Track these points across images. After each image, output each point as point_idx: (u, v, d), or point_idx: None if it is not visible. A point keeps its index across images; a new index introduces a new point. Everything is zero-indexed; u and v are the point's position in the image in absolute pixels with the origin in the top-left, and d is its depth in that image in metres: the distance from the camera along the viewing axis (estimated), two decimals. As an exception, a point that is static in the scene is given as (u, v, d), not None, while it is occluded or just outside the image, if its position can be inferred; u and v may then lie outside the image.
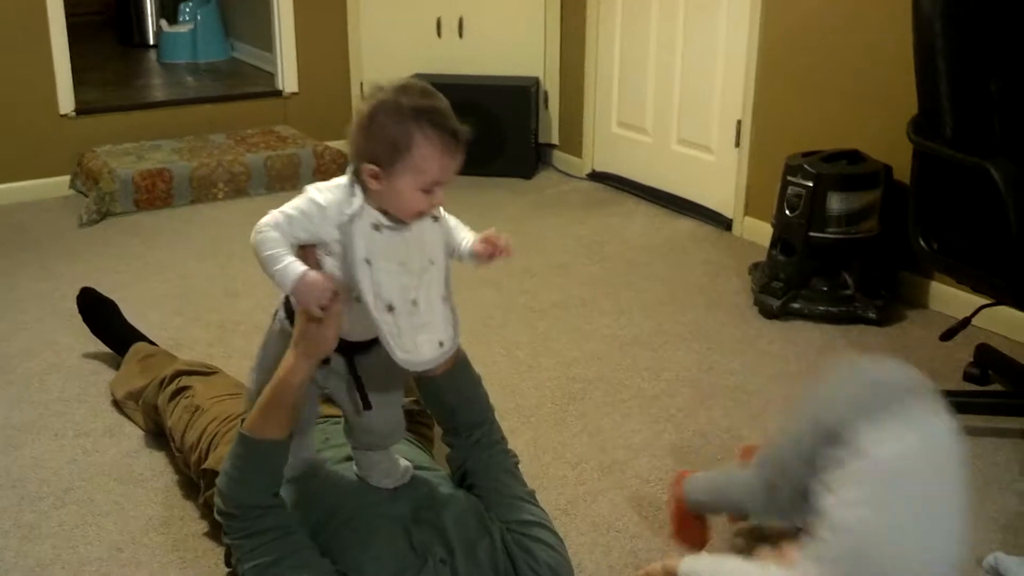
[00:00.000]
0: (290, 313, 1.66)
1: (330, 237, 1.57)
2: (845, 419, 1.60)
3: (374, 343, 1.63)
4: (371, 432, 1.78)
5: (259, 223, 1.58)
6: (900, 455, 1.56)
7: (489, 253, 1.68)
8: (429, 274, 1.62)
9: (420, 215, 1.58)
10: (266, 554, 1.65)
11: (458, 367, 1.82)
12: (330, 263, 1.58)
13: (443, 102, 1.55)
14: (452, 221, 1.71)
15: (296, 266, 1.54)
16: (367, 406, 1.70)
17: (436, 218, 1.63)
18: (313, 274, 1.54)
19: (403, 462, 1.84)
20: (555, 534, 1.83)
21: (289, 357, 1.64)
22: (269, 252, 1.55)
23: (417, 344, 1.60)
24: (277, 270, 1.54)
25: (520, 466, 1.94)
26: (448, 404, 1.85)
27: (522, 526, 1.79)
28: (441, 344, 1.64)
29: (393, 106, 1.51)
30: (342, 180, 1.59)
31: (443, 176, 1.54)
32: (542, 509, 1.87)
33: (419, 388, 1.86)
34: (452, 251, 1.69)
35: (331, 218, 1.56)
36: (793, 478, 1.71)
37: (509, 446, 1.93)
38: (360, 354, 1.69)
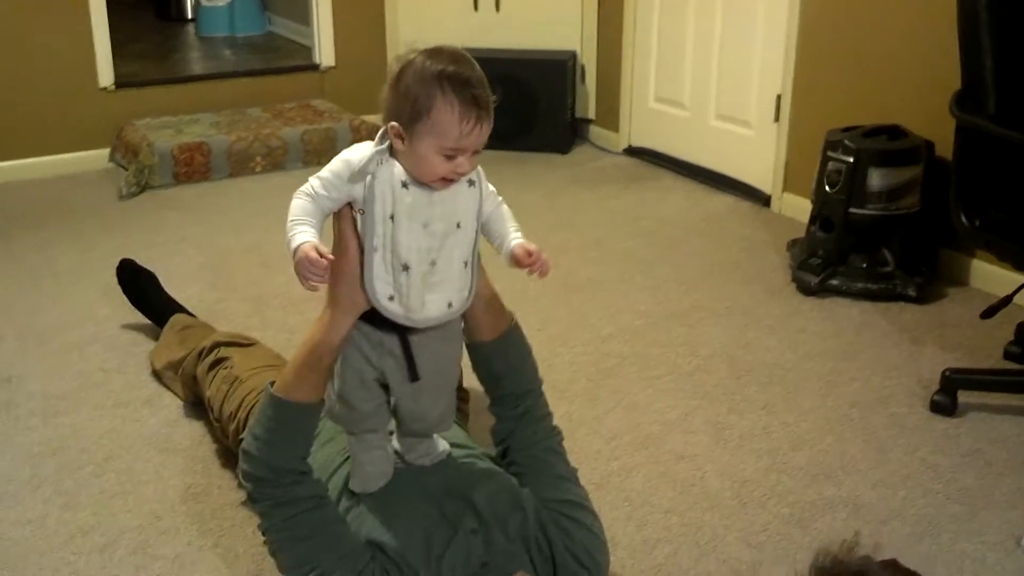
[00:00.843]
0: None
1: (359, 194, 1.57)
2: None
3: None
4: (421, 419, 1.73)
5: (298, 191, 1.60)
6: None
7: (527, 264, 1.66)
8: (454, 237, 1.60)
9: (444, 181, 1.56)
10: (298, 526, 1.65)
11: (509, 335, 1.81)
12: (360, 220, 1.58)
13: (472, 69, 1.53)
14: (503, 209, 1.70)
15: (299, 237, 1.55)
16: (415, 377, 1.66)
17: (472, 182, 1.62)
18: (307, 248, 1.53)
19: (442, 443, 1.82)
20: (594, 515, 1.82)
21: (325, 315, 1.63)
22: (290, 220, 1.58)
23: (424, 303, 1.60)
24: (289, 239, 1.56)
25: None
26: (495, 372, 1.83)
27: (561, 505, 1.78)
28: (450, 305, 1.63)
29: (420, 67, 1.51)
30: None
31: (465, 143, 1.52)
32: (583, 489, 1.85)
33: (469, 353, 1.84)
34: (492, 236, 1.69)
35: (359, 175, 1.56)
36: None
37: (554, 422, 1.91)
38: (413, 333, 1.66)
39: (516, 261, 1.67)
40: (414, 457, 1.79)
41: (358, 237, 1.59)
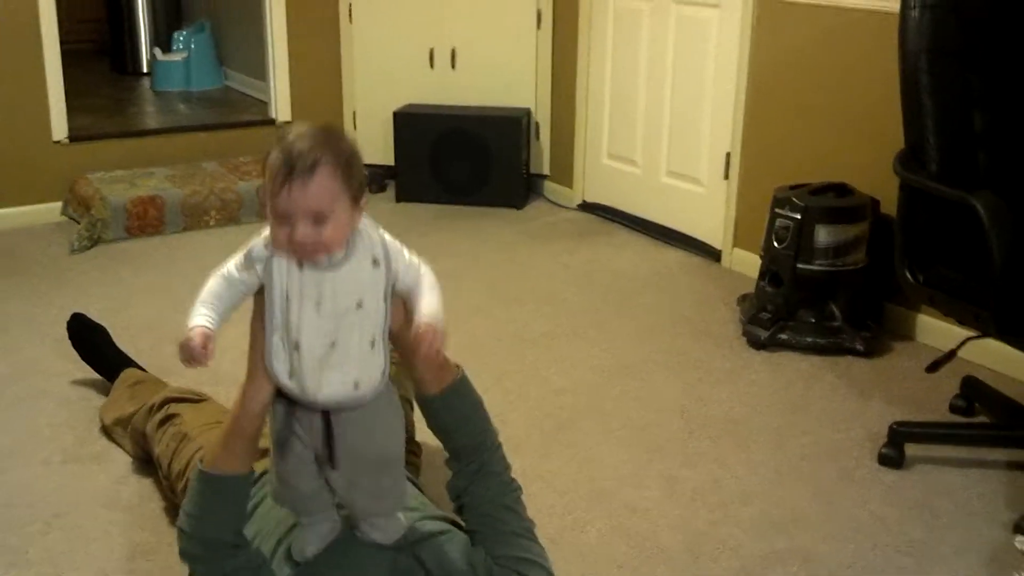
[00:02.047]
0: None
1: (258, 274, 1.56)
2: None
3: None
4: (355, 503, 1.68)
5: (215, 269, 1.60)
6: None
7: (418, 352, 1.60)
8: (353, 317, 1.55)
9: (305, 253, 1.51)
10: None
11: (455, 388, 1.78)
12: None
13: (309, 131, 1.50)
14: (404, 264, 1.61)
15: (194, 319, 1.55)
16: (333, 464, 1.61)
17: (376, 262, 1.57)
18: (195, 334, 1.53)
19: (401, 519, 1.76)
20: (548, 572, 1.79)
21: (245, 384, 1.62)
22: (198, 299, 1.58)
23: (321, 383, 1.55)
24: (190, 316, 1.57)
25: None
26: (445, 425, 1.80)
27: (513, 562, 1.75)
28: (357, 385, 1.57)
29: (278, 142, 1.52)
30: None
31: (283, 205, 1.48)
32: (539, 545, 1.83)
33: (419, 408, 1.82)
34: (411, 308, 1.62)
35: (255, 251, 1.56)
36: None
37: (511, 475, 1.88)
38: (336, 412, 1.60)
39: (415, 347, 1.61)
40: (376, 536, 1.72)
41: None
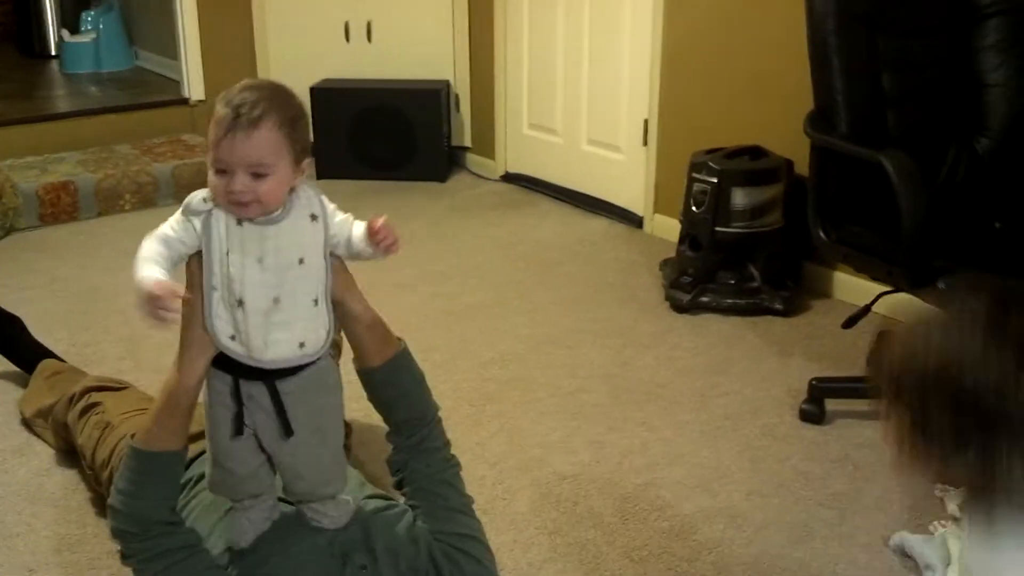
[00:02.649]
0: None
1: (197, 228, 1.54)
2: None
3: (298, 369, 1.59)
4: (304, 479, 1.66)
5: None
6: None
7: (379, 241, 1.63)
8: (296, 272, 1.56)
9: (240, 207, 1.50)
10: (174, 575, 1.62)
11: (396, 361, 1.78)
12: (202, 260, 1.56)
13: (258, 89, 1.50)
14: (339, 218, 1.65)
15: (144, 272, 1.50)
16: (288, 432, 1.60)
17: (315, 217, 1.58)
18: (152, 283, 1.47)
19: (350, 502, 1.75)
20: (486, 547, 1.81)
21: (178, 358, 1.59)
22: (137, 259, 1.53)
23: (267, 343, 1.54)
24: (135, 277, 1.51)
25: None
26: (386, 399, 1.80)
27: (452, 538, 1.77)
28: (303, 345, 1.58)
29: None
30: None
31: (224, 154, 1.48)
32: (476, 520, 1.84)
33: (360, 380, 1.81)
34: (346, 249, 1.64)
35: (195, 204, 1.53)
36: None
37: (451, 451, 1.89)
38: (283, 379, 1.60)
39: (370, 234, 1.63)
40: (326, 523, 1.71)
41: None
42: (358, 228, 1.65)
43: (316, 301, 1.60)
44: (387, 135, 4.81)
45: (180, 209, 1.56)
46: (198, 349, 1.58)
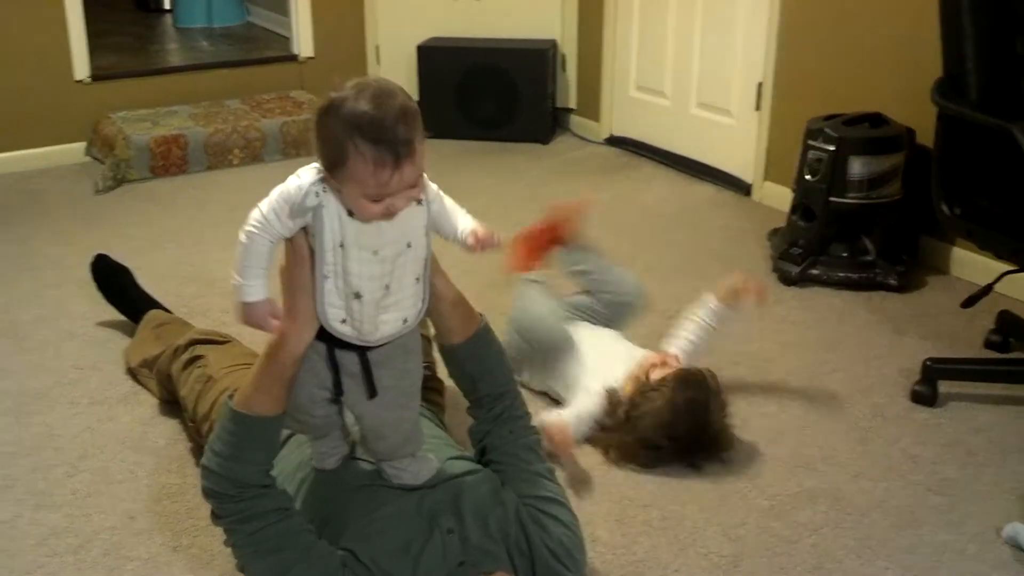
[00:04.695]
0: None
1: (307, 221, 1.54)
2: None
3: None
4: (384, 437, 1.71)
5: (248, 219, 1.56)
6: None
7: (479, 247, 1.65)
8: (404, 257, 1.57)
9: (380, 219, 1.51)
10: (264, 540, 1.62)
11: (479, 336, 1.79)
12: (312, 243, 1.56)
13: (388, 109, 1.44)
14: (446, 204, 1.65)
15: (250, 293, 1.57)
16: (373, 393, 1.64)
17: (419, 201, 1.57)
18: (260, 311, 1.57)
19: (432, 459, 1.79)
20: (571, 512, 1.81)
21: (285, 326, 1.59)
22: (240, 261, 1.58)
23: (378, 325, 1.57)
24: (237, 286, 1.58)
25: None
26: (469, 374, 1.82)
27: (538, 501, 1.77)
28: (406, 321, 1.61)
29: (336, 112, 1.45)
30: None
31: (385, 189, 1.46)
32: (560, 486, 1.85)
33: (443, 358, 1.84)
34: (444, 234, 1.66)
35: (298, 212, 1.52)
36: None
37: (531, 422, 1.90)
38: (372, 349, 1.63)
39: (470, 248, 1.66)
40: (406, 479, 1.75)
41: (312, 248, 1.55)
42: (463, 223, 1.66)
43: (418, 279, 1.62)
44: (492, 95, 4.77)
45: (285, 203, 1.53)
46: (306, 319, 1.58)
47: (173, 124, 4.44)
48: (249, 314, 1.57)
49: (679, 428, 2.23)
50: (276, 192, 1.54)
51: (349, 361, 1.62)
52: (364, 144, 1.42)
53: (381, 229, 1.53)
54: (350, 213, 1.51)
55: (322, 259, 1.53)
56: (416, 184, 1.50)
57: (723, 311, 2.52)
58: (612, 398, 2.34)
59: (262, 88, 4.96)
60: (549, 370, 2.51)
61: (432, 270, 1.67)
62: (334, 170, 1.47)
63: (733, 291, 2.53)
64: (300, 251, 1.56)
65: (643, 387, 2.30)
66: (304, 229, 1.55)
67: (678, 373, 2.29)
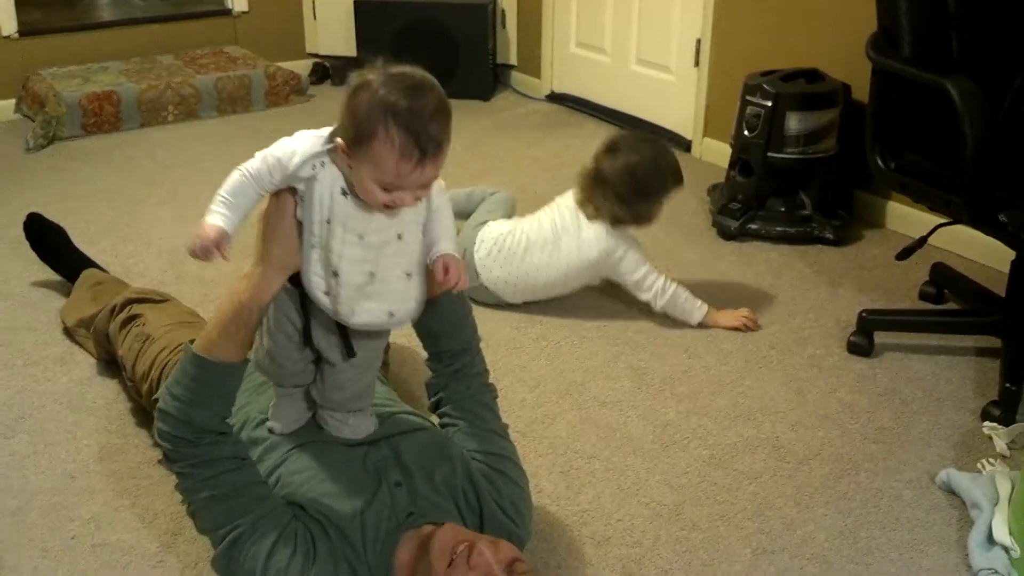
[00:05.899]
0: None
1: (298, 187, 1.53)
2: None
3: None
4: (343, 389, 1.71)
5: (247, 163, 1.54)
6: None
7: (441, 283, 1.62)
8: (391, 248, 1.56)
9: (386, 208, 1.50)
10: (218, 487, 1.61)
11: (447, 294, 1.77)
12: (300, 207, 1.54)
13: (428, 102, 1.44)
14: (443, 211, 1.63)
15: (213, 217, 1.52)
16: (350, 353, 1.65)
17: (417, 197, 1.55)
18: (212, 232, 1.50)
19: (374, 419, 1.79)
20: (521, 470, 1.83)
21: (255, 272, 1.58)
22: (220, 192, 1.54)
23: (355, 311, 1.55)
24: (212, 210, 1.53)
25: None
26: (433, 330, 1.83)
27: (490, 458, 1.79)
28: (392, 315, 1.59)
29: (373, 92, 1.43)
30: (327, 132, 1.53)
31: (404, 182, 1.46)
32: (512, 444, 1.86)
33: None
34: (423, 234, 1.62)
35: (300, 170, 1.50)
36: None
37: (490, 379, 1.91)
38: None
39: (435, 275, 1.62)
40: (346, 432, 1.75)
41: (296, 202, 1.54)
42: (443, 243, 1.62)
43: (409, 274, 1.60)
44: (431, 51, 4.71)
45: (275, 157, 1.51)
46: (277, 268, 1.57)
47: (105, 80, 4.34)
48: (202, 235, 1.50)
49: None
50: (277, 148, 1.53)
51: (325, 318, 1.61)
52: (396, 130, 1.42)
53: (371, 216, 1.52)
54: (344, 192, 1.50)
55: (310, 229, 1.52)
56: (429, 185, 1.50)
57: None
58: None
59: (195, 43, 4.87)
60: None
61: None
62: (355, 147, 1.45)
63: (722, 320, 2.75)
64: (283, 202, 1.55)
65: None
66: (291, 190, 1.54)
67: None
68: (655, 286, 2.70)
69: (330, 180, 1.50)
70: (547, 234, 2.73)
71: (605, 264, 2.71)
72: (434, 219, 1.62)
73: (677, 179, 2.71)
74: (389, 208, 1.50)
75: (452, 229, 1.66)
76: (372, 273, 1.55)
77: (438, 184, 1.61)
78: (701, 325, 2.72)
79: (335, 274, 1.53)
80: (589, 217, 2.68)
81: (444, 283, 1.62)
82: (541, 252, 2.72)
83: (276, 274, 1.58)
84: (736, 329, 2.71)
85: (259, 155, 1.54)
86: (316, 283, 1.55)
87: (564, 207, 2.76)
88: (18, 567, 1.86)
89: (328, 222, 1.51)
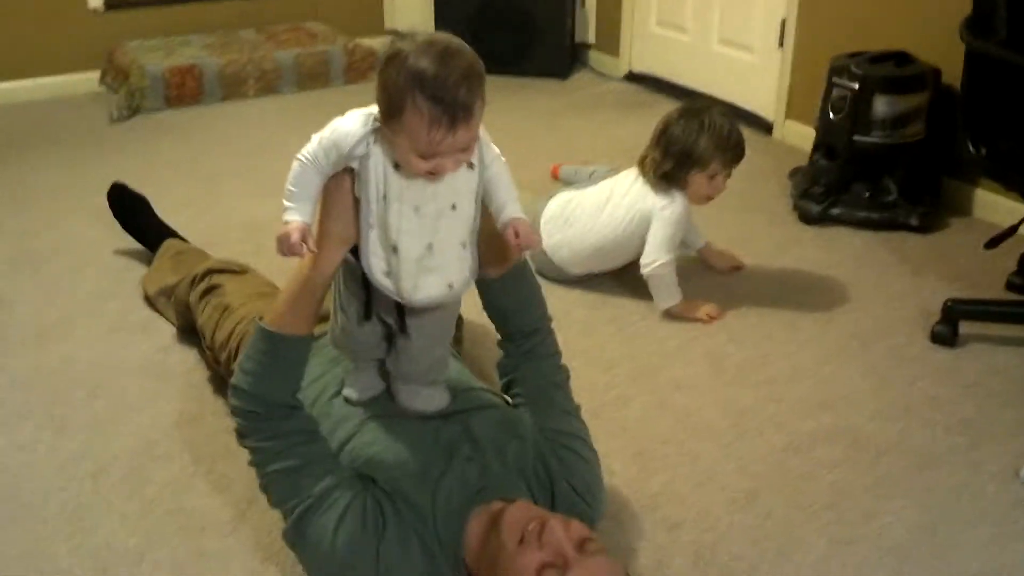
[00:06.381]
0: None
1: (354, 166, 1.53)
2: None
3: None
4: (415, 362, 1.72)
5: (304, 148, 1.54)
6: None
7: (518, 247, 1.60)
8: (448, 219, 1.55)
9: (431, 175, 1.49)
10: (291, 458, 1.62)
11: (515, 272, 1.78)
12: (358, 185, 1.54)
13: (454, 68, 1.41)
14: (502, 175, 1.61)
15: (291, 214, 1.52)
16: (403, 330, 1.66)
17: (471, 164, 1.55)
18: (293, 229, 1.50)
19: (446, 394, 1.79)
20: (592, 450, 1.81)
21: (318, 248, 1.58)
22: (289, 187, 1.54)
23: (417, 285, 1.55)
24: (284, 207, 1.54)
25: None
26: (502, 309, 1.82)
27: (561, 436, 1.77)
28: (451, 286, 1.59)
29: (401, 63, 1.42)
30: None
31: (438, 149, 1.44)
32: (584, 425, 1.85)
33: (477, 290, 1.82)
34: (488, 203, 1.61)
35: (344, 159, 1.51)
36: None
37: (562, 361, 1.89)
38: None
39: (507, 239, 1.61)
40: (418, 404, 1.76)
41: (353, 178, 1.54)
42: (510, 208, 1.60)
43: (464, 244, 1.59)
44: (509, 28, 4.70)
45: (325, 142, 1.51)
46: (337, 241, 1.58)
47: (187, 54, 4.40)
48: (284, 236, 1.52)
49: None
50: (330, 130, 1.53)
51: (386, 297, 1.61)
52: (422, 99, 1.40)
53: (424, 186, 1.51)
54: (396, 166, 1.49)
55: (368, 208, 1.53)
56: (468, 148, 1.48)
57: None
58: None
59: (276, 19, 4.91)
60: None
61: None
62: (389, 120, 1.45)
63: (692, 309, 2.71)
64: (341, 178, 1.55)
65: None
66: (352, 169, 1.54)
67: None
68: (660, 259, 2.64)
69: (383, 156, 1.50)
70: (602, 198, 2.74)
71: (644, 223, 2.66)
72: (494, 185, 1.60)
73: (729, 149, 2.65)
74: (432, 175, 1.49)
75: (515, 192, 1.63)
76: (430, 245, 1.54)
77: (492, 151, 1.60)
78: (667, 313, 2.67)
79: (395, 249, 1.53)
80: (642, 175, 2.68)
81: (517, 246, 1.60)
82: (593, 214, 2.72)
83: (337, 247, 1.58)
84: (700, 321, 2.65)
85: (315, 138, 1.54)
86: (376, 265, 1.55)
87: (625, 173, 2.77)
88: (96, 528, 1.90)
89: (384, 198, 1.51)
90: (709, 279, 2.85)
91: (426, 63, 1.40)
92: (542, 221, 2.77)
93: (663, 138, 2.63)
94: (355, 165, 1.52)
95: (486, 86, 1.46)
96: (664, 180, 2.64)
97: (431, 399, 1.77)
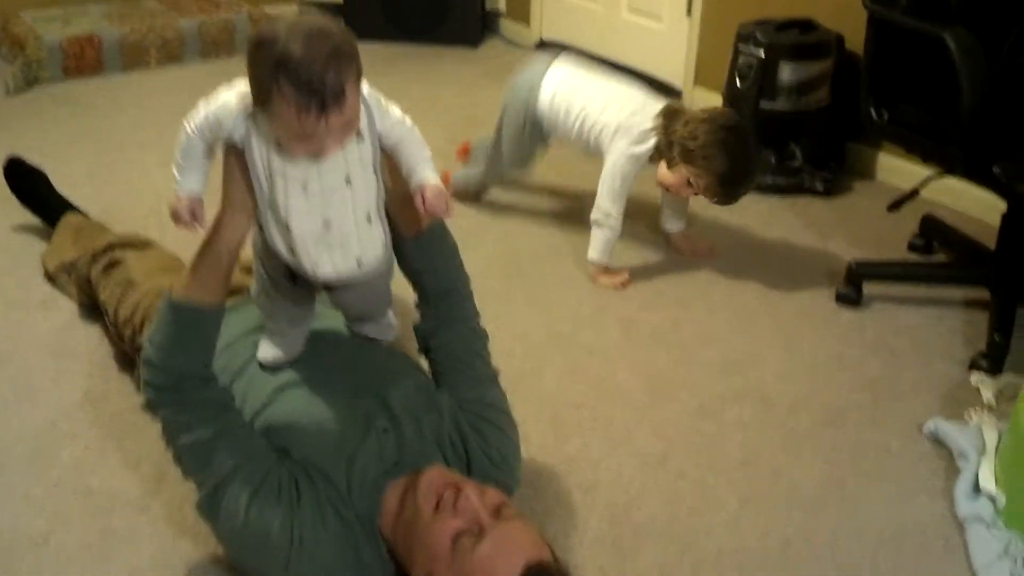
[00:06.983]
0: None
1: (238, 145, 1.49)
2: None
3: None
4: (351, 307, 1.78)
5: (187, 119, 1.50)
6: None
7: (426, 213, 1.60)
8: (342, 194, 1.51)
9: (309, 157, 1.46)
10: (204, 430, 1.59)
11: (429, 234, 1.75)
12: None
13: (321, 51, 1.35)
14: (407, 137, 1.57)
15: (184, 185, 1.53)
16: (330, 290, 1.68)
17: (360, 136, 1.51)
18: (185, 202, 1.52)
19: (392, 318, 1.86)
20: (510, 418, 1.81)
21: (220, 215, 1.56)
22: (178, 155, 1.53)
23: (318, 262, 1.53)
24: (175, 177, 1.54)
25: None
26: (416, 269, 1.79)
27: (478, 406, 1.77)
28: (360, 263, 1.56)
29: (266, 48, 1.37)
30: None
31: (312, 131, 1.40)
32: (502, 392, 1.84)
33: (394, 252, 1.78)
34: (399, 163, 1.58)
35: (234, 131, 1.47)
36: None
37: (480, 324, 1.88)
38: None
39: (415, 204, 1.59)
40: (371, 332, 1.85)
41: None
42: (420, 172, 1.58)
43: (369, 218, 1.55)
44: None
45: (215, 119, 1.48)
46: (239, 208, 1.54)
47: (86, 24, 4.26)
48: (175, 209, 1.52)
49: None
50: (214, 102, 1.49)
51: None
52: (288, 87, 1.36)
53: (309, 164, 1.47)
54: (279, 145, 1.46)
55: (258, 186, 1.50)
56: (350, 124, 1.44)
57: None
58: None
59: (179, -13, 4.77)
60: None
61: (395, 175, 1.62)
62: (260, 106, 1.42)
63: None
64: (239, 154, 1.51)
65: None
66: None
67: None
68: (612, 213, 2.66)
69: (266, 134, 1.46)
70: (601, 102, 2.78)
71: (615, 144, 2.66)
72: (400, 150, 1.57)
73: (725, 192, 2.55)
74: (317, 156, 1.45)
75: (426, 153, 1.59)
76: (327, 221, 1.51)
77: (391, 116, 1.56)
78: (591, 264, 2.72)
79: (287, 229, 1.50)
80: (654, 124, 2.62)
81: (426, 212, 1.58)
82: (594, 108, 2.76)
83: (239, 216, 1.55)
84: (609, 288, 2.68)
85: (200, 107, 1.50)
86: (279, 241, 1.53)
87: (635, 93, 2.81)
88: (0, 513, 1.84)
89: (270, 177, 1.48)
90: (623, 244, 2.87)
91: (291, 48, 1.35)
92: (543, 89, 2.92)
93: (693, 126, 2.51)
94: (238, 144, 1.48)
95: (366, 58, 1.42)
96: (663, 155, 2.59)
97: (382, 332, 1.85)
